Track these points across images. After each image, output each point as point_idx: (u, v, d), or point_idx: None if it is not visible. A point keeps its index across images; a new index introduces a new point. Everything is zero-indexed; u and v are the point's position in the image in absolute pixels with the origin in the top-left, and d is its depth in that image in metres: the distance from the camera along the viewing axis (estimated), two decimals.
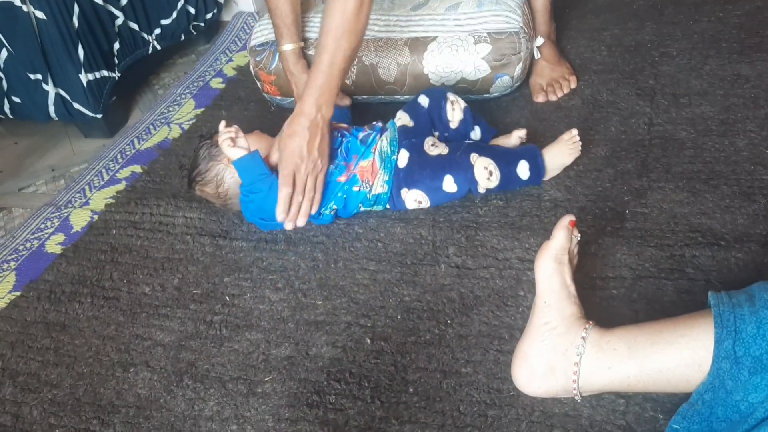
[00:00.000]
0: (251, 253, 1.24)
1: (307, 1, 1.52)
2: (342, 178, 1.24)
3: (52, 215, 1.44)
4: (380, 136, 1.28)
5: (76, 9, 1.51)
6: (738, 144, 1.25)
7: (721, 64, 1.46)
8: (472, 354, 0.98)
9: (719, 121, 1.31)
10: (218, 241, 1.28)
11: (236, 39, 2.00)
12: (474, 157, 1.20)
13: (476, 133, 1.33)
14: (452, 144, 1.25)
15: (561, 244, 0.92)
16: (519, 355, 0.91)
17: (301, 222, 1.21)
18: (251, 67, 1.58)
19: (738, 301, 0.78)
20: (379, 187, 1.24)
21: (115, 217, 1.39)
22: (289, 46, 1.42)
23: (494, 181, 1.20)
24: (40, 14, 1.45)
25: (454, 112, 1.31)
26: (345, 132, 1.29)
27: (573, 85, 1.49)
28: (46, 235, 1.38)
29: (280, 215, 1.19)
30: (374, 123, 1.32)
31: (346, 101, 1.45)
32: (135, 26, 1.70)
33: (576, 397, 0.87)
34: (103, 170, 1.55)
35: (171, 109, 1.74)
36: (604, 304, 1.02)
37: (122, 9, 1.65)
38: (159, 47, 1.81)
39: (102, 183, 1.51)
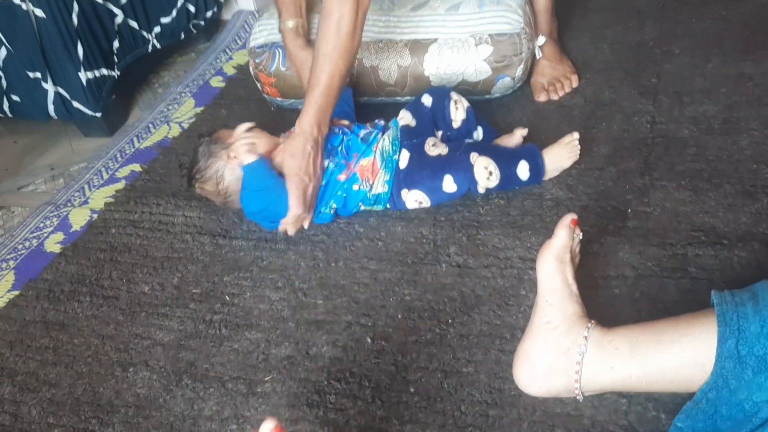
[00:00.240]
0: (251, 252, 1.23)
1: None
2: (342, 177, 1.24)
3: (52, 214, 1.44)
4: (382, 135, 1.27)
5: (76, 7, 1.51)
6: (741, 143, 1.24)
7: (725, 62, 1.45)
8: (473, 353, 0.98)
9: (722, 120, 1.30)
10: (218, 240, 1.27)
11: (236, 37, 1.99)
12: (474, 157, 1.19)
13: (479, 133, 1.32)
14: (452, 144, 1.24)
15: (563, 243, 0.92)
16: (520, 355, 0.90)
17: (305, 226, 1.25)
18: (251, 69, 1.57)
19: (741, 300, 0.78)
20: (380, 186, 1.24)
21: (114, 216, 1.39)
22: (290, 23, 1.42)
23: (494, 181, 1.19)
24: (39, 12, 1.45)
25: (457, 111, 1.30)
26: (346, 129, 1.29)
27: (575, 84, 1.48)
28: (45, 234, 1.38)
29: (290, 230, 1.22)
30: (376, 121, 1.32)
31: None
32: (135, 24, 1.70)
33: (578, 397, 0.87)
34: (103, 169, 1.55)
35: (171, 107, 1.73)
36: (606, 303, 1.01)
37: (122, 7, 1.65)
38: (159, 46, 1.81)
39: (101, 182, 1.51)
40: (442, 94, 1.32)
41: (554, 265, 0.91)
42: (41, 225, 1.41)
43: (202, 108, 1.71)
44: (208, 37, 2.02)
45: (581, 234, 0.96)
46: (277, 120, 1.57)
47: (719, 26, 1.58)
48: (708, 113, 1.33)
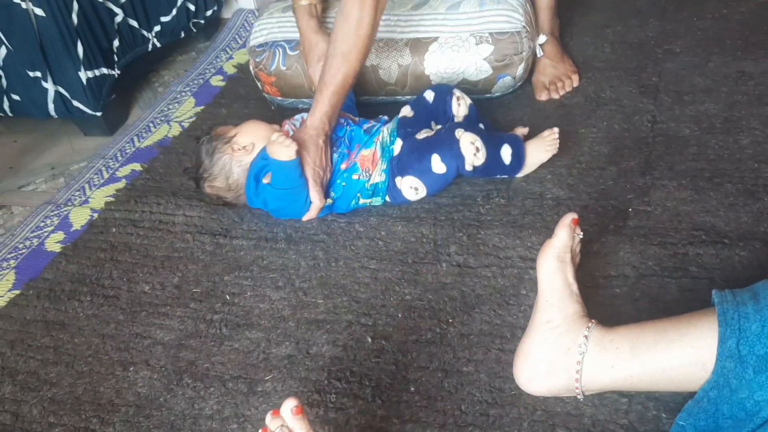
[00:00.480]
0: (251, 251, 1.23)
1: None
2: (343, 166, 1.25)
3: (52, 213, 1.43)
4: (383, 128, 1.29)
5: (75, 6, 1.50)
6: (742, 142, 1.24)
7: (725, 61, 1.45)
8: (473, 353, 0.98)
9: (723, 119, 1.30)
10: (218, 240, 1.27)
11: (236, 36, 1.99)
12: (459, 133, 1.19)
13: None
14: (440, 127, 1.25)
15: (563, 243, 0.92)
16: (521, 354, 0.90)
17: None
18: (251, 68, 1.57)
19: (742, 299, 0.78)
20: (377, 176, 1.25)
21: (114, 215, 1.39)
22: (303, 0, 1.42)
23: (480, 158, 1.19)
24: (39, 11, 1.44)
25: (460, 107, 1.31)
26: (350, 121, 1.30)
27: (576, 83, 1.48)
28: (45, 234, 1.38)
29: (309, 217, 1.26)
30: (380, 116, 1.34)
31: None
32: (135, 23, 1.70)
33: (578, 396, 0.87)
34: (103, 168, 1.55)
35: (171, 107, 1.73)
36: (606, 303, 1.01)
37: (122, 6, 1.64)
38: (159, 45, 1.80)
39: (102, 181, 1.51)
40: (444, 90, 1.33)
41: (555, 264, 0.91)
42: (42, 224, 1.41)
43: (202, 107, 1.70)
44: (208, 36, 2.02)
45: (582, 234, 0.96)
46: (277, 119, 1.57)
47: (720, 25, 1.57)
48: (709, 112, 1.33)
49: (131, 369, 1.05)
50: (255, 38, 1.56)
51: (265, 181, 1.23)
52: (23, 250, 1.34)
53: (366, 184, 1.25)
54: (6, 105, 1.63)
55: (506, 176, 1.26)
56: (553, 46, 1.52)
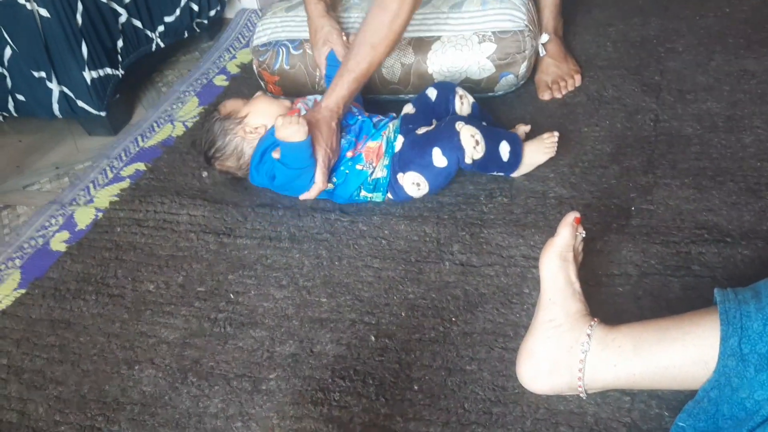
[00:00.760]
0: (255, 250, 1.24)
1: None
2: (349, 154, 1.26)
3: (57, 213, 1.44)
4: (390, 123, 1.31)
5: (80, 6, 1.51)
6: (744, 140, 1.24)
7: (728, 59, 1.45)
8: (476, 351, 0.98)
9: (726, 117, 1.31)
10: (222, 239, 1.28)
11: (240, 36, 2.00)
12: (459, 125, 1.20)
13: None
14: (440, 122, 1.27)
15: (565, 242, 0.92)
16: (524, 353, 0.91)
17: None
18: (254, 67, 1.58)
19: (744, 297, 0.78)
20: (380, 171, 1.25)
21: (119, 214, 1.39)
22: None
23: (480, 151, 1.20)
24: (43, 12, 1.45)
25: (463, 106, 1.31)
26: (362, 112, 1.33)
27: (578, 83, 1.48)
28: (50, 233, 1.38)
29: (307, 197, 1.26)
30: (389, 113, 1.36)
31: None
32: (138, 24, 1.70)
33: (581, 395, 0.87)
34: (107, 168, 1.55)
35: (174, 106, 1.74)
36: (609, 301, 1.01)
37: (125, 6, 1.65)
38: (162, 45, 1.81)
39: (106, 181, 1.51)
40: (447, 88, 1.34)
41: (557, 263, 0.91)
42: (47, 224, 1.41)
43: (205, 107, 1.71)
44: (211, 36, 2.02)
45: (584, 233, 0.96)
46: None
47: (722, 23, 1.57)
48: (711, 111, 1.33)
49: (136, 367, 1.06)
50: (258, 38, 1.56)
51: (275, 155, 1.23)
52: (28, 250, 1.35)
53: (368, 178, 1.26)
54: (11, 105, 1.64)
55: (502, 173, 1.26)
56: (556, 45, 1.53)
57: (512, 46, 1.42)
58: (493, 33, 1.42)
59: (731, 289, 0.80)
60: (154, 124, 1.68)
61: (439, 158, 1.20)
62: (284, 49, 1.53)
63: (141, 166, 1.53)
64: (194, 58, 1.99)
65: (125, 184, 1.48)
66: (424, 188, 1.24)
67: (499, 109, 1.46)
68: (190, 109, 1.71)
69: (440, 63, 1.44)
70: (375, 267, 1.15)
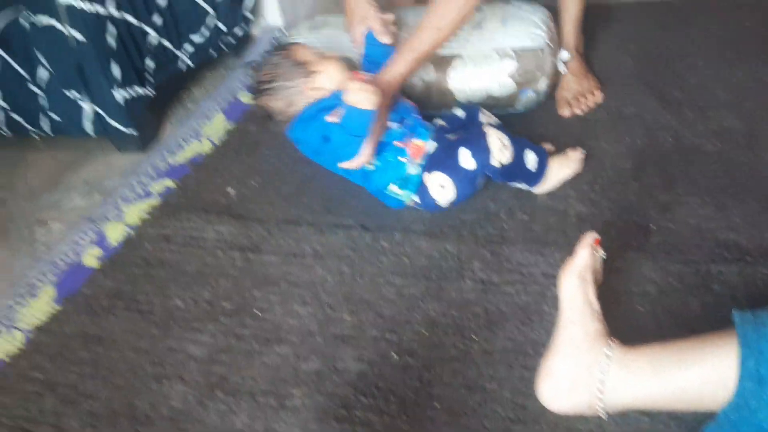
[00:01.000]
0: (280, 266, 1.27)
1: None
2: (397, 144, 1.29)
3: (89, 229, 1.49)
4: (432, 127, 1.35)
5: (113, 30, 1.56)
6: (765, 157, 1.25)
7: (748, 75, 1.45)
8: (497, 369, 1.00)
9: (746, 134, 1.31)
10: (248, 255, 1.31)
11: (265, 53, 2.03)
12: (487, 128, 1.23)
13: None
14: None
15: (584, 262, 0.93)
16: (544, 372, 0.92)
17: None
18: None
19: (762, 320, 0.79)
20: (414, 168, 1.28)
21: (148, 231, 1.43)
22: None
23: (507, 155, 1.21)
24: (78, 36, 1.50)
25: (489, 121, 1.35)
26: (416, 110, 1.37)
27: (599, 100, 1.49)
28: (83, 249, 1.43)
29: (348, 166, 1.27)
30: (435, 120, 1.41)
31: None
32: (168, 44, 1.75)
33: (601, 415, 0.88)
34: (137, 184, 1.60)
35: (201, 123, 1.78)
36: (628, 320, 1.02)
37: (155, 28, 1.70)
38: (191, 64, 1.85)
39: (135, 197, 1.55)
40: (472, 107, 1.39)
41: (576, 283, 0.93)
42: (79, 240, 1.46)
43: (231, 123, 1.75)
44: (237, 53, 2.06)
45: (604, 254, 0.97)
46: None
47: (743, 38, 1.57)
48: (732, 127, 1.33)
49: (165, 383, 1.09)
50: None
51: (329, 119, 1.25)
52: (62, 266, 1.39)
53: (405, 171, 1.28)
54: (46, 125, 1.70)
55: (527, 185, 1.27)
56: (577, 62, 1.54)
57: (533, 63, 1.43)
58: (514, 50, 1.43)
59: (750, 311, 0.81)
60: (182, 141, 1.72)
61: (465, 159, 1.22)
62: None
63: (170, 182, 1.57)
64: (220, 75, 2.03)
65: (155, 200, 1.52)
66: (449, 191, 1.25)
67: (520, 126, 1.47)
68: (216, 126, 1.75)
69: (461, 80, 1.46)
70: (396, 284, 1.17)
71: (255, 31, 2.13)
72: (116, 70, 1.58)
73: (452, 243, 1.23)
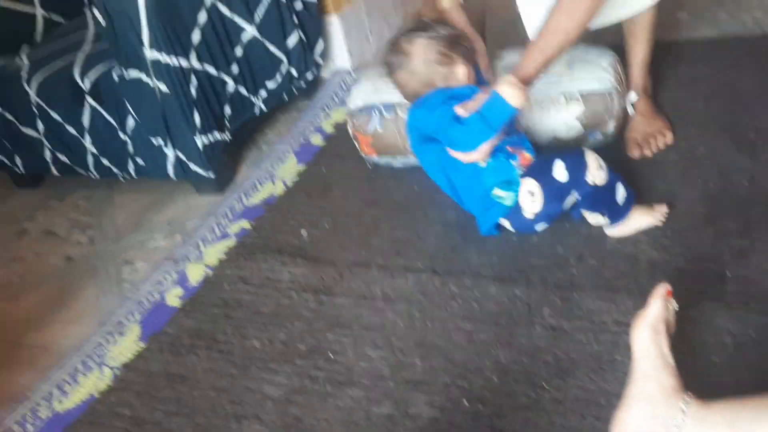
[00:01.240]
0: (352, 309, 1.30)
1: None
2: (510, 149, 1.32)
3: (171, 269, 1.57)
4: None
5: (194, 81, 1.66)
6: None
7: None
8: (568, 419, 1.00)
9: None
10: (321, 297, 1.35)
11: (334, 96, 2.11)
12: (587, 149, 1.26)
13: None
14: None
15: (657, 314, 0.93)
16: (617, 424, 0.91)
17: None
18: (349, 129, 1.67)
19: None
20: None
21: (226, 271, 1.50)
22: (446, 2, 1.49)
23: (602, 176, 1.22)
24: (163, 87, 1.61)
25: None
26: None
27: (669, 141, 1.47)
28: (166, 288, 1.51)
29: (462, 158, 1.29)
30: None
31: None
32: (244, 91, 1.84)
33: None
34: (215, 225, 1.68)
35: (275, 165, 1.85)
36: (703, 372, 1.00)
37: (233, 77, 1.79)
38: (265, 109, 1.94)
39: (214, 238, 1.63)
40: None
41: (649, 335, 0.92)
42: (162, 279, 1.54)
43: (303, 165, 1.81)
44: (308, 96, 2.14)
45: (677, 306, 0.96)
46: (372, 177, 1.66)
47: None
48: None
49: (244, 422, 1.14)
50: (353, 102, 1.65)
51: (459, 110, 1.26)
52: (147, 305, 1.48)
53: (514, 175, 1.30)
54: (132, 168, 1.81)
55: (609, 220, 1.26)
56: (645, 103, 1.53)
57: (600, 106, 1.44)
58: (581, 93, 1.44)
59: None
60: (257, 183, 1.80)
61: (559, 170, 1.23)
62: (377, 112, 1.61)
63: (246, 224, 1.65)
64: (292, 117, 2.11)
65: (231, 241, 1.59)
66: (537, 200, 1.26)
67: None
68: (289, 168, 1.82)
69: (527, 123, 1.48)
70: (466, 330, 1.19)
71: (324, 74, 2.22)
72: (197, 118, 1.68)
73: (521, 288, 1.24)
